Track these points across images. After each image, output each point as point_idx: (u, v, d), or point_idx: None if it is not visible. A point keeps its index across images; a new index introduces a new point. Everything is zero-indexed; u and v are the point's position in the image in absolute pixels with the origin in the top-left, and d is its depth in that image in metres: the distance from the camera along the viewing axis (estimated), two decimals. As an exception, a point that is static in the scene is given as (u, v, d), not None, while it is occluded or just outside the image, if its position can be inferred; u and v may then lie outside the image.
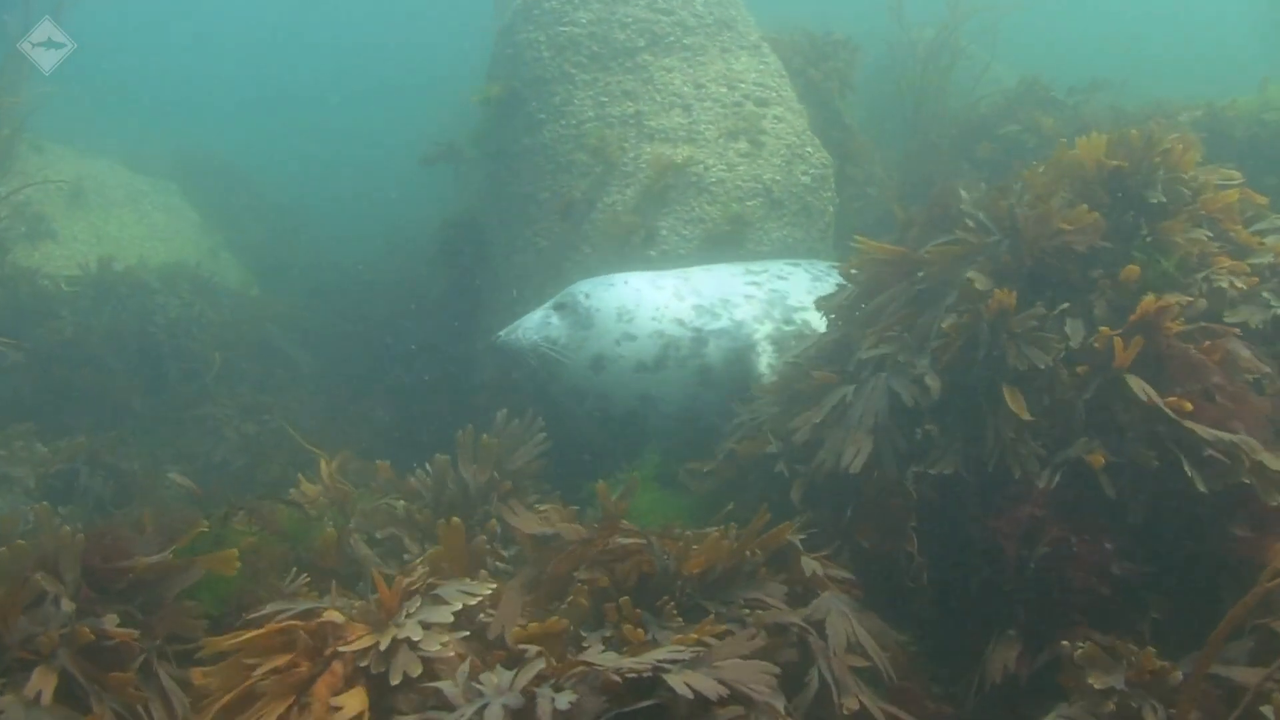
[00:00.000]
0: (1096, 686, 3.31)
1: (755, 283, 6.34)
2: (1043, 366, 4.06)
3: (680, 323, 6.04)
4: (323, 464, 5.68)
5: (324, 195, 15.10)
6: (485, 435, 5.28)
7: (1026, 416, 3.99)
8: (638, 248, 7.27)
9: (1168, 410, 3.81)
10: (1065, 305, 4.29)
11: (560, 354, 6.09)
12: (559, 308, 6.29)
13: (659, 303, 6.14)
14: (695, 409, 5.93)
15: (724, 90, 7.57)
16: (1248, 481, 3.69)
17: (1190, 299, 4.20)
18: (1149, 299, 4.05)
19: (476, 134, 8.59)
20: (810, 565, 3.93)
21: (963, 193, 4.90)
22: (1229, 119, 7.55)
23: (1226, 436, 3.74)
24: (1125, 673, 3.34)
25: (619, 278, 6.36)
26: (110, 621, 3.45)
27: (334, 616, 3.47)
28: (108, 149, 13.04)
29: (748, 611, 3.60)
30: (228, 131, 17.24)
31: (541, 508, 4.81)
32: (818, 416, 4.57)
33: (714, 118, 7.47)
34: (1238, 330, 4.14)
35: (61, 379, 8.47)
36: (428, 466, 5.30)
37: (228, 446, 8.26)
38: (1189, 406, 3.81)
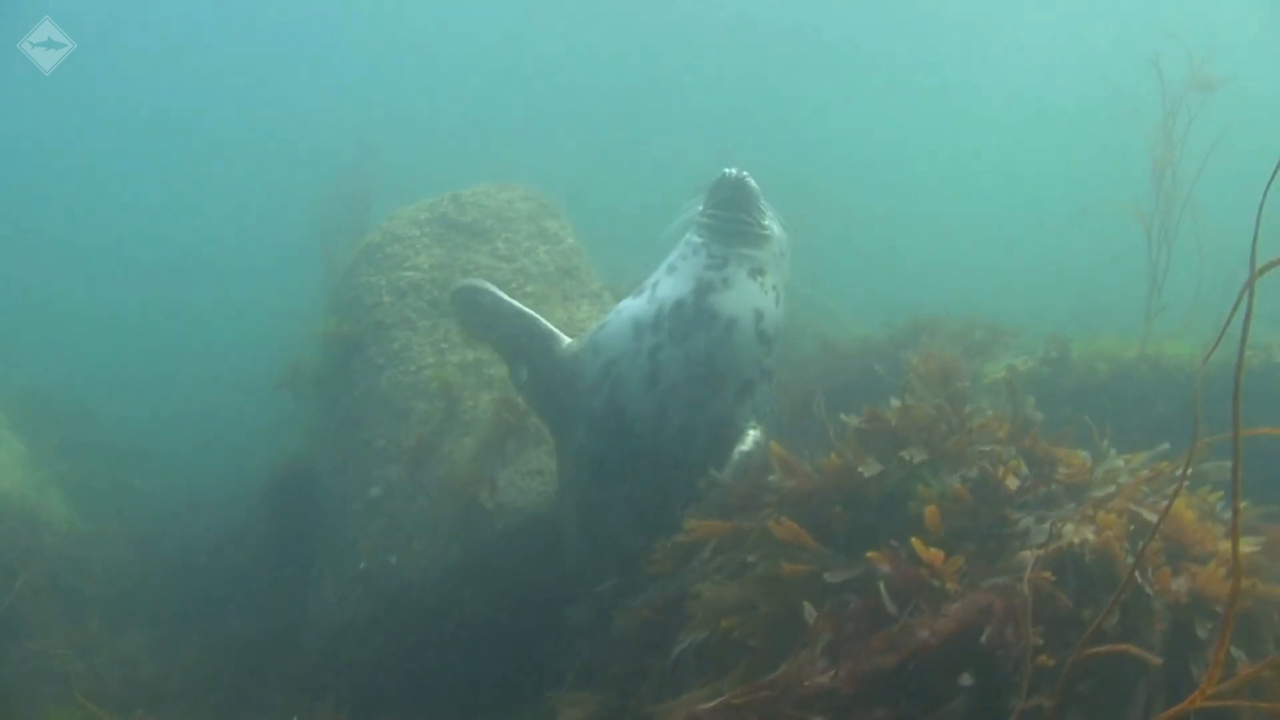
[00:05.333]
0: None
1: None
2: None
3: None
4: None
5: (168, 424, 14.54)
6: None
7: None
8: (479, 499, 6.99)
9: None
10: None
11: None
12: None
13: None
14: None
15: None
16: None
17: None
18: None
19: (316, 374, 8.34)
20: None
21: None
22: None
23: None
24: None
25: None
26: None
27: None
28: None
29: None
30: (64, 361, 16.66)
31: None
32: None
33: (553, 367, 7.36)
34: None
35: None
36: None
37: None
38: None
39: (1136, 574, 3.67)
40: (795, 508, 4.57)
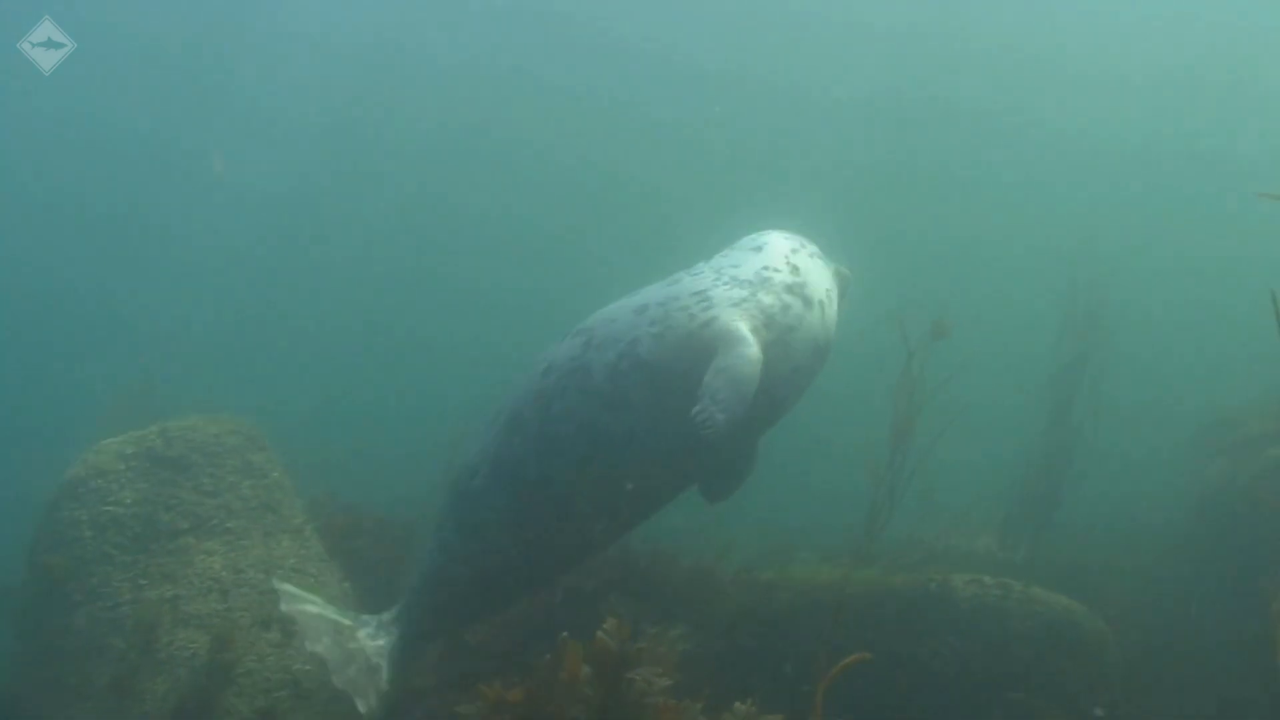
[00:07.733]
0: None
1: None
2: None
3: None
4: None
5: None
6: None
7: None
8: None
9: None
10: None
11: None
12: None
13: None
14: None
15: (261, 576, 7.70)
16: None
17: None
18: None
19: (17, 608, 8.23)
20: None
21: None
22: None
23: None
24: None
25: None
26: None
27: None
28: None
29: None
30: None
31: None
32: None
33: (249, 604, 7.54)
34: None
35: None
36: None
37: None
38: None
39: None
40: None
